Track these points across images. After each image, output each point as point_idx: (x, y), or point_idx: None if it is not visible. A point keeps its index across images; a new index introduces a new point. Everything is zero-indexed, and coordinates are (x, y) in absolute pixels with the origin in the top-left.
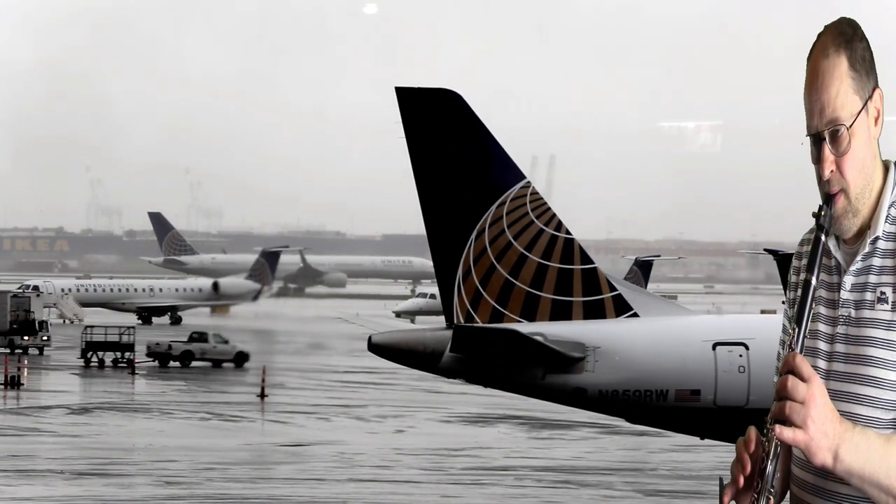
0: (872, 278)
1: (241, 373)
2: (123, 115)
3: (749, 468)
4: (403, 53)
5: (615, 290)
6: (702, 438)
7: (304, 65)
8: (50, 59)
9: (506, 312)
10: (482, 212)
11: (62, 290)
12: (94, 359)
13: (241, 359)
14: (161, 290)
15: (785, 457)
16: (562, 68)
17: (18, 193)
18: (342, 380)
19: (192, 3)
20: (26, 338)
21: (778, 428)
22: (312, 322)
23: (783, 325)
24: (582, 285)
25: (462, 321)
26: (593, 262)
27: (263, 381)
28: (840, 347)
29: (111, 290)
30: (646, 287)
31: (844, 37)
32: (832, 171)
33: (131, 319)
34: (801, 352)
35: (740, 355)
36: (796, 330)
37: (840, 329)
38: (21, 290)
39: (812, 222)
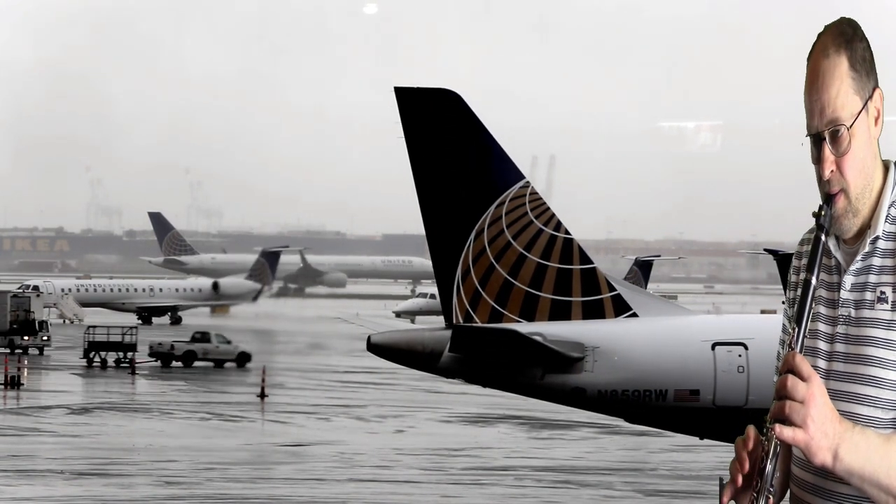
0: (872, 278)
1: (241, 373)
2: (123, 115)
3: (747, 466)
4: (403, 53)
5: (614, 290)
6: (701, 438)
7: (304, 65)
8: (50, 59)
9: (505, 312)
10: (481, 212)
11: (62, 290)
12: (97, 359)
13: (243, 359)
14: (161, 290)
15: (785, 456)
16: (562, 68)
17: (18, 193)
18: (342, 380)
19: (192, 3)
20: (26, 338)
21: (778, 427)
22: (312, 322)
23: (783, 324)
24: (581, 285)
25: (461, 321)
26: (592, 262)
27: (263, 381)
28: (840, 347)
29: (111, 290)
30: (646, 287)
31: (845, 37)
32: (832, 171)
33: (131, 319)
34: (800, 351)
35: (739, 355)
36: (796, 329)
37: (840, 328)
38: (21, 290)
39: (812, 222)
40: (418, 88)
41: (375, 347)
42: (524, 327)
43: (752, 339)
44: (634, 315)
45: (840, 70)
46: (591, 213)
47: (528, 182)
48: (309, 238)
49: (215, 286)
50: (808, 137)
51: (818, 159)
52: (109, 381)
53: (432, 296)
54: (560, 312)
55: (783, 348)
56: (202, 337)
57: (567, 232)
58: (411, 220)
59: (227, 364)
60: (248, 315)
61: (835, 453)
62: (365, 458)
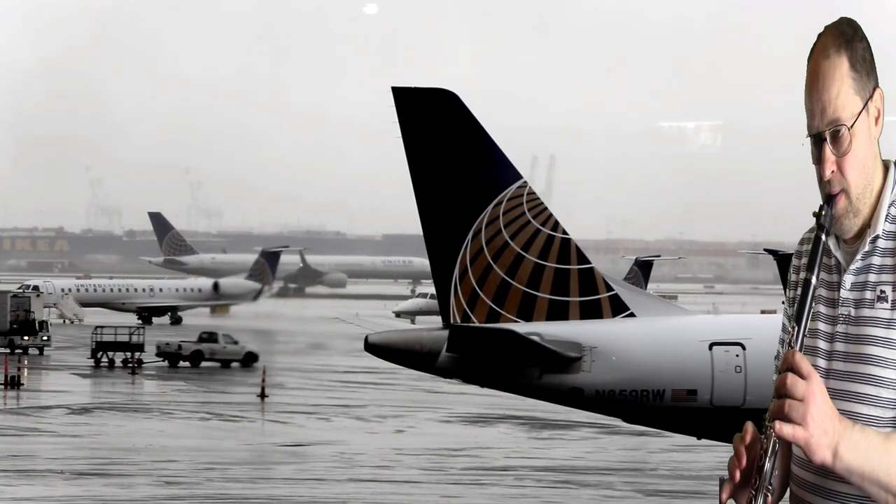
0: (872, 277)
1: (244, 373)
2: (123, 115)
3: (745, 461)
4: (403, 53)
5: (612, 290)
6: (699, 438)
7: (304, 65)
8: (50, 60)
9: (502, 312)
10: (479, 212)
11: (62, 290)
12: (105, 359)
13: (249, 359)
14: (161, 290)
15: (784, 455)
16: (562, 68)
17: (18, 193)
18: (342, 380)
19: (192, 3)
20: (26, 338)
21: (778, 424)
22: (312, 322)
23: (783, 323)
24: (578, 285)
25: (459, 321)
26: (590, 262)
27: (264, 381)
28: (840, 346)
29: (111, 290)
30: (646, 287)
31: (845, 37)
32: (833, 171)
33: (131, 319)
34: (800, 350)
35: (737, 355)
36: (796, 328)
37: (840, 328)
38: (21, 290)
39: (813, 222)
40: (416, 88)
41: (373, 347)
42: (522, 327)
43: (750, 339)
44: (632, 315)
45: (840, 70)
46: (591, 213)
47: (525, 182)
48: (309, 238)
49: (215, 286)
50: (809, 138)
51: (819, 160)
52: (110, 381)
53: (432, 296)
54: (557, 312)
55: (783, 347)
56: (209, 337)
57: (564, 232)
58: (411, 220)
59: (234, 364)
60: (248, 315)
61: (834, 451)
62: (365, 458)
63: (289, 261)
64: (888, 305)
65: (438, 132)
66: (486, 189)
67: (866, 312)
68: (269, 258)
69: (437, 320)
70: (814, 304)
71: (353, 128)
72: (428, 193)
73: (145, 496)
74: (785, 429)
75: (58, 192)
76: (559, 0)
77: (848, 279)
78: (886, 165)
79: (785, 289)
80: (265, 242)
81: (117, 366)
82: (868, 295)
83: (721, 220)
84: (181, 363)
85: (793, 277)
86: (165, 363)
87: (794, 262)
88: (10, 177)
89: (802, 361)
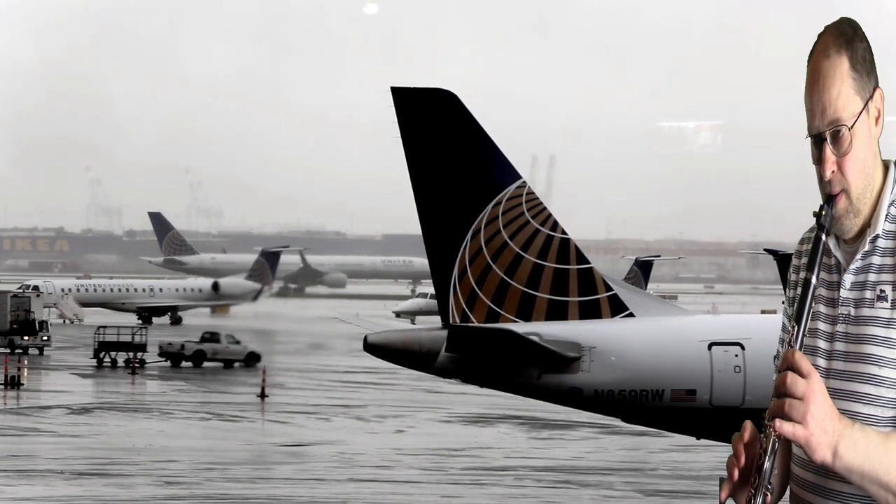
0: (872, 276)
1: (246, 373)
2: (123, 115)
3: (743, 459)
4: (403, 53)
5: (611, 290)
6: (698, 438)
7: (304, 65)
8: (50, 60)
9: (501, 312)
10: (478, 212)
11: (62, 290)
12: (107, 359)
13: (252, 359)
14: (161, 290)
15: (783, 454)
16: (562, 68)
17: (18, 193)
18: (342, 380)
19: (192, 3)
20: (26, 338)
21: (778, 423)
22: (312, 322)
23: (783, 323)
24: (578, 285)
25: (458, 321)
26: (589, 262)
27: (264, 381)
28: (839, 346)
29: (111, 290)
30: (646, 287)
31: (845, 37)
32: (834, 171)
33: (131, 319)
34: (800, 349)
35: (736, 355)
36: (796, 328)
37: (840, 327)
38: (21, 290)
39: (813, 221)
40: (415, 88)
41: (372, 347)
42: (521, 327)
43: (749, 339)
44: (631, 315)
45: (841, 70)
46: (591, 213)
47: (524, 182)
48: (309, 238)
49: (215, 286)
50: (809, 138)
51: (819, 160)
52: (110, 381)
53: (432, 296)
54: (557, 312)
55: (783, 347)
56: (212, 337)
57: (564, 232)
58: (411, 220)
59: (236, 364)
60: (248, 315)
61: (834, 450)
62: (365, 458)
63: (289, 261)
64: (888, 305)
65: (437, 132)
66: (485, 189)
67: (866, 312)
68: (269, 258)
69: (437, 320)
70: (814, 304)
71: (353, 128)
72: (427, 193)
73: (145, 496)
74: (785, 427)
75: (58, 192)
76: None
77: (848, 279)
78: (886, 165)
79: (785, 289)
80: (265, 242)
81: (120, 366)
82: (868, 294)
83: (721, 220)
84: (183, 363)
85: (793, 277)
86: (168, 363)
87: (794, 261)
88: (10, 177)
89: (802, 360)
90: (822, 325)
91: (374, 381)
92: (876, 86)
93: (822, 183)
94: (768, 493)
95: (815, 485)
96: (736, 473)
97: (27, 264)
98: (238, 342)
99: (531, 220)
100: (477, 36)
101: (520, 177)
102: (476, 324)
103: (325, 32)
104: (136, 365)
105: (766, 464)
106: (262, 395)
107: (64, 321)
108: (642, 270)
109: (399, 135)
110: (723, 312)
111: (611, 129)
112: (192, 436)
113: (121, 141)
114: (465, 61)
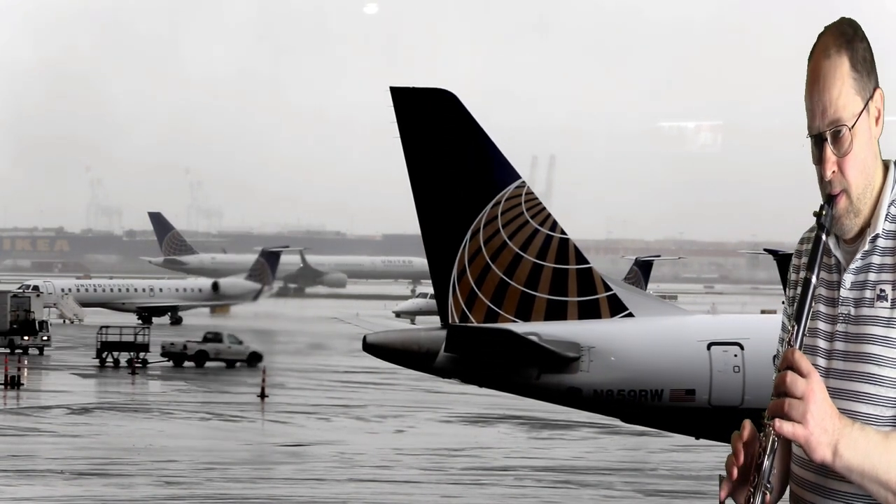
0: (872, 276)
1: (247, 373)
2: (123, 115)
3: (742, 458)
4: (403, 53)
5: (610, 290)
6: (697, 438)
7: (304, 65)
8: (50, 59)
9: (501, 312)
10: (477, 212)
11: (62, 290)
12: (110, 359)
13: (254, 359)
14: (161, 290)
15: (783, 453)
16: (562, 68)
17: (18, 193)
18: (342, 380)
19: (192, 3)
20: (26, 338)
21: (778, 422)
22: (312, 322)
23: (783, 323)
24: (577, 285)
25: (457, 321)
26: (588, 262)
27: (264, 381)
28: (839, 345)
29: (111, 290)
30: (646, 287)
31: (845, 37)
32: (834, 171)
33: (131, 319)
34: (800, 349)
35: (735, 355)
36: (796, 327)
37: (839, 327)
38: (21, 290)
39: (813, 221)
40: (414, 88)
41: (371, 347)
42: (520, 327)
43: (748, 339)
44: (630, 315)
45: (841, 70)
46: (590, 213)
47: (524, 182)
48: (309, 238)
49: (215, 286)
50: (810, 138)
51: (820, 160)
52: (110, 381)
53: (432, 296)
54: (556, 312)
55: (783, 346)
56: (214, 337)
57: (563, 232)
58: (411, 220)
59: (238, 364)
60: (248, 315)
61: (834, 449)
62: (365, 458)
63: (289, 261)
64: (888, 304)
65: (436, 132)
66: (484, 189)
67: (866, 311)
68: (269, 258)
69: (437, 320)
70: (814, 303)
71: (353, 128)
72: (426, 193)
73: (145, 496)
74: (785, 427)
75: (58, 192)
76: (559, 0)
77: (848, 278)
78: (886, 165)
79: (785, 288)
80: (265, 242)
81: (122, 366)
82: (868, 294)
83: (721, 220)
84: (185, 363)
85: (793, 277)
86: (170, 363)
87: (794, 261)
88: (10, 177)
89: (802, 360)
90: (821, 325)
91: (374, 381)
92: (876, 86)
93: (823, 183)
94: (767, 492)
95: (815, 484)
96: (735, 472)
97: (27, 264)
98: (240, 342)
99: (530, 220)
100: (477, 36)
101: (519, 177)
102: (475, 324)
103: (325, 32)
104: (139, 365)
105: (766, 463)
106: (263, 395)
107: (64, 321)
108: (642, 270)
109: (399, 135)
110: (722, 312)
111: (611, 129)
112: (192, 436)
113: (121, 141)
114: (465, 61)
